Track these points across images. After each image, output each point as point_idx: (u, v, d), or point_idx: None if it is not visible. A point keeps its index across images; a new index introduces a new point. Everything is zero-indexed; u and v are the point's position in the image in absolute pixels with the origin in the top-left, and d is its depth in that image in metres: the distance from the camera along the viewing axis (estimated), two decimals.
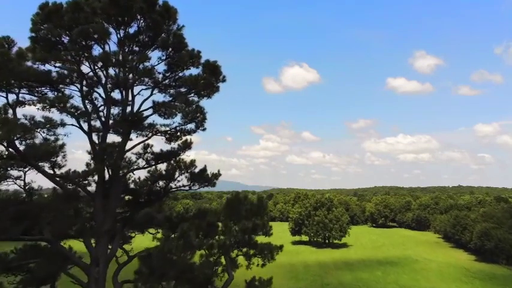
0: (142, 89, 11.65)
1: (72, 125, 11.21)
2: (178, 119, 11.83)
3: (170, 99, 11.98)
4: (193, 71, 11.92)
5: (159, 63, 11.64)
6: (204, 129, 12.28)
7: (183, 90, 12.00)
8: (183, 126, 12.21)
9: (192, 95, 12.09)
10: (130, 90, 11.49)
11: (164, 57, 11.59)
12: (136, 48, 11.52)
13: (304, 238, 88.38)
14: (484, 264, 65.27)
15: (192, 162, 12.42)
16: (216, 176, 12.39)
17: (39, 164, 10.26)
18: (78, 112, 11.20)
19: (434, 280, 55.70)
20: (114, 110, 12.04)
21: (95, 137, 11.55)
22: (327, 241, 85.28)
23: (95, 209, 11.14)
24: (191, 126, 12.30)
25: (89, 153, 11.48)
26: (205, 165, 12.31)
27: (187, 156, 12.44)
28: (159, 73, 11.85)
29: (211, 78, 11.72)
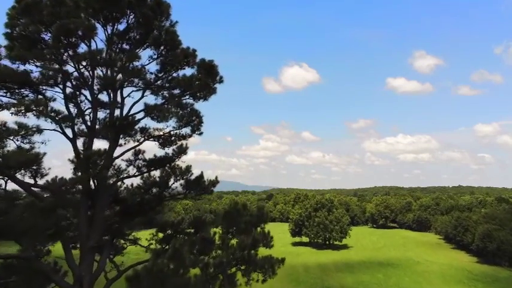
0: (133, 91, 10.73)
1: (55, 130, 10.28)
2: (172, 122, 10.95)
3: (163, 101, 11.05)
4: (189, 71, 11.02)
5: (150, 63, 10.73)
6: (200, 134, 11.39)
7: (176, 92, 11.04)
8: (178, 131, 11.32)
9: (187, 97, 11.18)
10: (119, 92, 10.57)
11: (156, 56, 10.68)
12: (127, 47, 10.61)
13: (305, 239, 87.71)
14: (487, 267, 64.55)
15: (188, 168, 11.53)
16: (214, 183, 11.50)
17: (16, 172, 9.30)
18: (60, 116, 10.28)
19: (437, 283, 54.96)
20: (102, 114, 11.12)
21: (80, 144, 10.54)
22: (327, 242, 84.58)
23: (79, 222, 10.19)
24: (186, 130, 11.42)
25: (72, 161, 10.44)
26: (201, 172, 11.46)
27: (182, 162, 11.53)
28: (151, 73, 10.95)
29: (207, 79, 10.77)
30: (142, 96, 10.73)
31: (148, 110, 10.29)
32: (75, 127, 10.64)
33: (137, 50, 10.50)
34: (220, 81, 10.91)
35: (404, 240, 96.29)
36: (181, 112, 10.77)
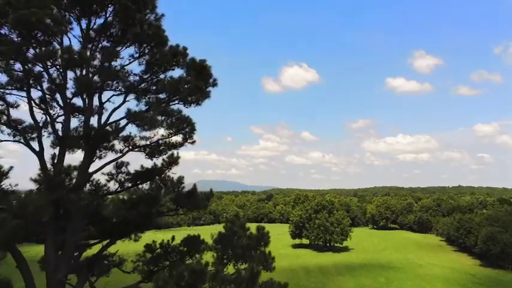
0: (114, 95, 9.45)
1: (17, 141, 8.98)
2: (161, 130, 9.70)
3: (148, 107, 9.73)
4: (178, 72, 9.68)
5: (130, 62, 9.41)
6: (192, 142, 10.14)
7: (163, 96, 9.75)
8: (168, 139, 10.08)
9: (176, 101, 9.90)
10: (97, 97, 9.30)
11: (137, 55, 9.38)
12: (108, 45, 9.35)
13: (305, 241, 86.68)
14: (490, 270, 63.46)
15: (180, 180, 10.30)
16: (208, 197, 10.29)
17: None
18: (22, 126, 9.01)
19: (440, 287, 53.86)
20: (77, 122, 9.78)
21: (48, 157, 9.18)
22: (328, 244, 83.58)
23: (45, 250, 8.85)
24: (177, 138, 10.17)
25: (34, 181, 8.85)
26: (194, 185, 10.22)
27: (173, 173, 10.28)
28: (136, 75, 9.68)
29: (198, 81, 9.46)
30: (124, 101, 9.45)
31: (131, 117, 8.99)
32: (44, 137, 9.19)
33: (119, 48, 9.24)
34: (214, 84, 9.60)
35: (405, 242, 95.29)
36: (170, 119, 9.54)
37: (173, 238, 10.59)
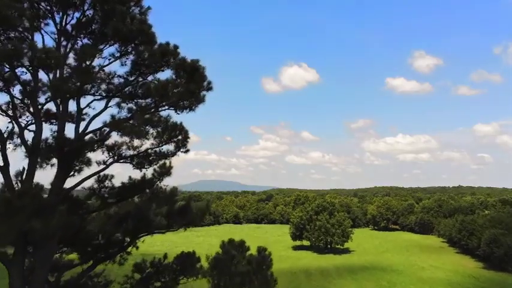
0: (95, 100, 8.39)
1: None
2: (151, 138, 8.65)
3: (131, 114, 8.62)
4: (169, 73, 8.63)
5: (110, 62, 8.34)
6: (186, 151, 9.10)
7: (150, 101, 8.67)
8: (158, 148, 9.05)
9: (167, 107, 8.85)
10: (75, 102, 8.21)
11: (118, 54, 8.31)
12: (87, 42, 8.29)
13: (306, 243, 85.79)
14: (493, 273, 62.47)
15: (173, 192, 9.26)
16: (204, 211, 9.28)
17: None
18: None
19: None
20: (49, 131, 8.63)
21: (15, 173, 8.04)
22: (328, 246, 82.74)
23: (10, 284, 7.72)
24: (169, 147, 9.14)
25: None
26: (188, 199, 9.19)
27: (164, 186, 9.22)
28: (120, 77, 8.61)
29: (190, 85, 8.38)
30: (107, 107, 8.41)
31: (113, 126, 7.93)
32: (9, 150, 7.97)
33: (101, 46, 8.20)
34: (208, 88, 8.50)
35: (407, 243, 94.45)
36: (159, 127, 8.48)
37: (165, 256, 9.59)
